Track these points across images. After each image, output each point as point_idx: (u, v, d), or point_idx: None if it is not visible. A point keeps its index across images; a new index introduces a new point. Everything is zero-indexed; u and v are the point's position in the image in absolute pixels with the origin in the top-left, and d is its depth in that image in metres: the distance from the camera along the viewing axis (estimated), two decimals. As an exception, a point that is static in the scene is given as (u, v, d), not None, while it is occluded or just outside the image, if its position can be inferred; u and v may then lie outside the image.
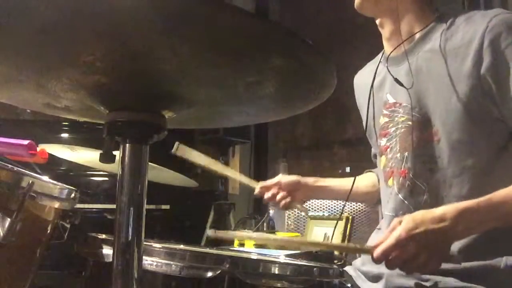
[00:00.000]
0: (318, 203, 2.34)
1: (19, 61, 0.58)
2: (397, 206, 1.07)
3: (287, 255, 1.32)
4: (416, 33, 1.08)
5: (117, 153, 0.65)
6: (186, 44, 0.51)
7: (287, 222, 2.40)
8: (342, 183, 1.35)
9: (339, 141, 3.51)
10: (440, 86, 0.99)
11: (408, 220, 0.87)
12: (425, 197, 1.02)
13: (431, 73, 1.02)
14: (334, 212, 2.29)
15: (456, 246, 0.93)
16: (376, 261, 0.87)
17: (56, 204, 1.04)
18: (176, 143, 1.29)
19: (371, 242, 1.16)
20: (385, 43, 1.17)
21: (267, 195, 1.32)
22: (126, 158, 0.64)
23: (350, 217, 2.07)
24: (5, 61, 0.58)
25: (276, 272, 0.84)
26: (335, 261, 1.44)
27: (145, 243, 0.69)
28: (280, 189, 1.31)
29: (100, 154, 0.65)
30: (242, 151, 3.82)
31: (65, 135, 2.72)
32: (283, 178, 1.33)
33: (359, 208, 2.27)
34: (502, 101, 0.93)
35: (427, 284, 0.95)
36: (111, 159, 0.65)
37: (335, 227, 1.92)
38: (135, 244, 0.63)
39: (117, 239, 0.63)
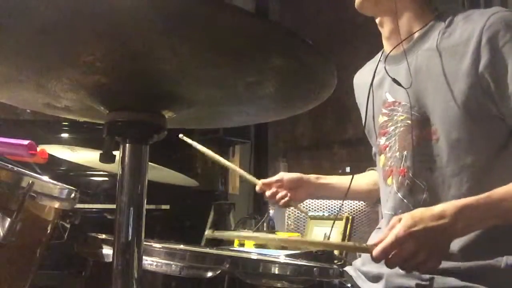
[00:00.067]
0: (318, 203, 2.34)
1: (19, 61, 0.58)
2: (396, 205, 1.07)
3: (287, 255, 1.32)
4: (415, 32, 1.08)
5: (117, 153, 0.65)
6: (186, 44, 0.51)
7: (287, 222, 2.40)
8: (343, 181, 1.35)
9: (339, 141, 3.52)
10: (438, 85, 0.99)
11: (407, 218, 0.87)
12: (424, 195, 1.02)
13: (430, 72, 1.02)
14: (334, 212, 2.29)
15: (456, 245, 0.93)
16: (376, 259, 0.87)
17: (56, 204, 1.04)
18: (180, 135, 1.31)
19: (371, 241, 1.16)
20: (384, 42, 1.17)
21: (268, 192, 1.32)
22: (126, 158, 0.64)
23: (350, 217, 2.07)
24: (5, 61, 0.58)
25: (276, 272, 0.84)
26: (335, 261, 1.44)
27: (145, 243, 0.69)
28: (281, 186, 1.31)
29: (100, 154, 0.65)
30: (242, 151, 3.82)
31: (65, 135, 2.72)
32: (285, 175, 1.33)
33: (359, 208, 2.27)
34: (501, 99, 0.93)
35: (427, 284, 0.95)
36: (111, 159, 0.65)
37: (332, 226, 1.92)
38: (135, 244, 0.63)
39: (117, 239, 0.63)
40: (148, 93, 0.63)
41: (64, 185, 1.06)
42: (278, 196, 1.31)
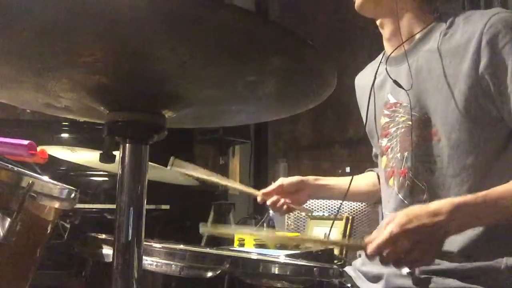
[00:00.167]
0: (318, 203, 2.34)
1: (19, 62, 0.58)
2: (397, 206, 1.07)
3: (287, 255, 1.32)
4: (416, 33, 1.08)
5: (117, 153, 0.65)
6: (186, 44, 0.51)
7: (287, 222, 2.40)
8: (342, 182, 1.35)
9: (339, 141, 3.52)
10: (439, 85, 0.99)
11: (402, 215, 0.87)
12: (425, 196, 1.02)
13: (431, 73, 1.02)
14: (334, 212, 2.29)
15: (456, 246, 0.93)
16: (370, 256, 0.87)
17: (56, 204, 1.04)
18: (172, 158, 1.30)
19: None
20: (385, 43, 1.17)
21: (269, 202, 1.32)
22: (126, 158, 0.64)
23: (350, 217, 2.07)
24: (5, 62, 0.58)
25: (276, 272, 0.84)
26: (335, 261, 1.44)
27: (145, 243, 0.69)
28: (282, 192, 1.31)
29: (100, 154, 0.65)
30: (242, 151, 3.82)
31: (65, 135, 2.73)
32: (284, 180, 1.33)
33: (359, 208, 2.27)
34: (501, 99, 0.93)
35: (427, 284, 0.95)
36: (111, 159, 0.65)
37: (331, 226, 1.92)
38: (135, 244, 0.63)
39: (117, 239, 0.63)
40: (148, 93, 0.63)
41: (64, 185, 1.06)
42: (279, 204, 1.31)
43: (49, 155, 1.29)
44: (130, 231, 0.63)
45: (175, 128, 0.75)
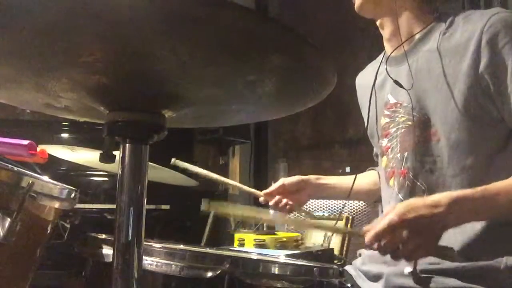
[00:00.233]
0: (318, 203, 2.34)
1: (19, 62, 0.58)
2: (397, 206, 1.07)
3: (287, 255, 1.32)
4: (415, 33, 1.08)
5: (117, 153, 0.65)
6: (186, 44, 0.51)
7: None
8: (344, 181, 1.35)
9: (339, 141, 3.51)
10: (439, 85, 0.99)
11: (401, 206, 0.87)
12: (424, 196, 1.01)
13: (430, 73, 1.02)
14: (334, 212, 2.29)
15: (456, 246, 0.93)
16: (368, 244, 0.87)
17: (56, 204, 1.04)
18: (172, 159, 1.31)
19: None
20: (385, 44, 1.17)
21: (271, 202, 1.32)
22: (126, 158, 0.64)
23: (350, 217, 2.07)
24: (5, 62, 0.58)
25: (276, 272, 0.84)
26: (335, 261, 1.45)
27: (145, 243, 0.69)
28: (283, 192, 1.32)
29: (100, 154, 0.65)
30: (242, 151, 3.82)
31: (65, 135, 2.72)
32: (285, 180, 1.33)
33: (359, 208, 2.27)
34: (501, 99, 0.93)
35: (428, 284, 0.95)
36: (111, 159, 0.65)
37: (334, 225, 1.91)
38: (135, 244, 0.63)
39: (117, 239, 0.63)
40: (148, 93, 0.63)
41: (64, 185, 1.06)
42: (281, 204, 1.31)
43: (49, 154, 1.29)
44: (130, 231, 0.63)
45: (175, 128, 0.75)
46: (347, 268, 1.18)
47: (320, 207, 2.33)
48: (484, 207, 0.89)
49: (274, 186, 1.33)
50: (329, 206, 2.32)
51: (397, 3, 1.07)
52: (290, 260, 1.13)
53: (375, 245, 0.87)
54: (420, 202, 0.88)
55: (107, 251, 0.92)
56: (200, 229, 2.73)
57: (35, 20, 0.47)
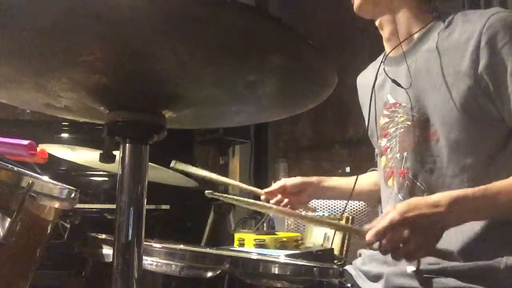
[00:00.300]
0: (318, 203, 2.34)
1: (19, 61, 0.58)
2: (397, 206, 1.07)
3: (287, 255, 1.32)
4: (414, 33, 1.08)
5: (117, 153, 0.65)
6: (186, 44, 0.51)
7: (287, 222, 2.40)
8: (345, 183, 1.35)
9: (339, 141, 3.51)
10: (438, 85, 0.99)
11: (402, 205, 0.88)
12: (424, 196, 1.02)
13: (429, 72, 1.02)
14: (334, 212, 2.29)
15: (456, 246, 0.93)
16: (368, 243, 0.87)
17: (56, 204, 1.04)
18: (173, 161, 1.31)
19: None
20: (385, 44, 1.17)
21: (272, 201, 1.32)
22: (126, 158, 0.64)
23: (350, 217, 2.07)
24: (5, 61, 0.58)
25: (276, 272, 0.84)
26: (335, 261, 1.44)
27: (145, 243, 0.69)
28: (284, 193, 1.32)
29: (100, 154, 0.65)
30: (242, 151, 3.82)
31: (65, 135, 2.73)
32: (287, 181, 1.33)
33: (359, 208, 2.27)
34: (500, 100, 0.93)
35: (427, 284, 0.95)
36: (111, 159, 0.65)
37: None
38: (135, 244, 0.63)
39: (117, 239, 0.63)
40: (148, 93, 0.63)
41: (64, 185, 1.06)
42: (283, 204, 1.31)
43: (49, 154, 1.29)
44: (130, 231, 0.63)
45: (175, 128, 0.75)
46: (347, 268, 1.18)
47: (320, 207, 2.33)
48: (485, 206, 0.89)
49: (275, 186, 1.33)
50: (329, 206, 2.32)
51: (396, 3, 1.07)
52: (290, 260, 1.13)
53: (376, 244, 0.87)
54: (421, 201, 0.88)
55: (107, 251, 0.92)
56: (200, 229, 2.73)
57: (35, 19, 0.47)
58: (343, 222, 2.03)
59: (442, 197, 0.88)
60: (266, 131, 4.01)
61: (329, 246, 1.81)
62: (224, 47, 0.53)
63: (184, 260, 0.82)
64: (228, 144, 3.54)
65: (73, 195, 1.07)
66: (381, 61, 1.19)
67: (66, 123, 2.71)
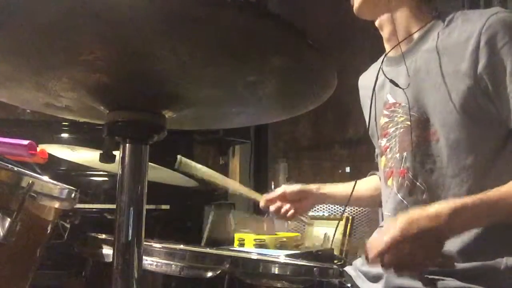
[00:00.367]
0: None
1: (19, 61, 0.58)
2: (396, 206, 1.07)
3: (287, 255, 1.32)
4: (414, 33, 1.08)
5: (117, 153, 0.65)
6: (186, 44, 0.51)
7: (287, 222, 2.40)
8: (344, 189, 1.34)
9: (339, 142, 3.51)
10: (437, 85, 0.99)
11: (403, 221, 0.86)
12: (424, 196, 1.01)
13: (429, 72, 1.02)
14: (334, 212, 2.29)
15: (456, 246, 0.93)
16: (371, 262, 0.87)
17: (56, 204, 1.04)
18: (179, 156, 1.31)
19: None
20: (385, 44, 1.17)
21: (272, 208, 1.32)
22: (126, 158, 0.64)
23: (350, 217, 2.07)
24: (5, 61, 0.58)
25: (276, 272, 0.84)
26: (335, 261, 1.44)
27: (145, 243, 0.69)
28: (284, 200, 1.32)
29: (100, 154, 0.65)
30: (242, 151, 3.82)
31: (65, 135, 2.72)
32: (287, 188, 1.33)
33: (359, 208, 2.27)
34: (500, 100, 0.93)
35: (427, 284, 0.95)
36: (111, 159, 0.65)
37: (336, 227, 1.92)
38: (135, 244, 0.63)
39: (117, 239, 0.63)
40: (148, 93, 0.63)
41: (64, 185, 1.06)
42: (283, 210, 1.31)
43: (49, 154, 1.29)
44: (130, 231, 0.63)
45: (175, 128, 0.75)
46: (347, 268, 1.18)
47: (320, 207, 2.34)
48: (485, 215, 0.88)
49: (275, 193, 1.33)
50: (329, 206, 2.33)
51: (394, 2, 1.07)
52: (290, 260, 1.13)
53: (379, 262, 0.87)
54: (423, 214, 0.87)
55: (107, 251, 0.92)
56: (200, 229, 2.73)
57: (34, 18, 0.47)
58: (343, 222, 2.04)
59: (442, 208, 0.87)
60: (266, 131, 4.01)
61: (329, 246, 1.81)
62: (224, 47, 0.53)
63: (184, 260, 0.82)
64: (228, 144, 3.54)
65: (73, 195, 1.07)
66: (382, 61, 1.19)
67: (66, 123, 2.71)
